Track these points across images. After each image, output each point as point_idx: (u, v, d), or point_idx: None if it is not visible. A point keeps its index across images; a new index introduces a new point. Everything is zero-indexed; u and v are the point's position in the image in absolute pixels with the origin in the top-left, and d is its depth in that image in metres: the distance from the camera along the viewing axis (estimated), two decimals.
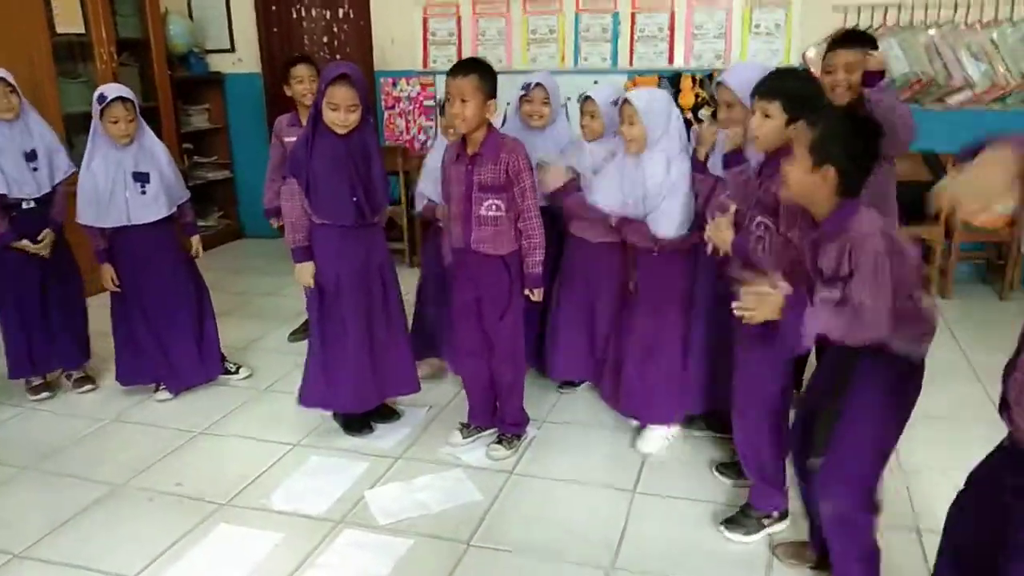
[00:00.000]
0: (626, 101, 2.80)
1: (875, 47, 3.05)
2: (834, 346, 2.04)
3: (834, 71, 2.96)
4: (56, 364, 3.75)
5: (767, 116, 2.30)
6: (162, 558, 2.53)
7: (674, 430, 3.17)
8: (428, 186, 3.44)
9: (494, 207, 2.84)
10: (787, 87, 2.30)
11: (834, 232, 1.93)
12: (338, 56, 6.21)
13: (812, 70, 4.19)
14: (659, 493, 2.85)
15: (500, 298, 2.94)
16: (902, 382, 2.00)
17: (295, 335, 4.34)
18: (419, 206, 3.51)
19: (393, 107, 6.15)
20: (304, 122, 3.75)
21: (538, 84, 3.31)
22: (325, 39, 6.32)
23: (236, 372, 3.86)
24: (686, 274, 2.95)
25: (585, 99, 3.17)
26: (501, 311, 2.95)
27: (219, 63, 6.51)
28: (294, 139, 3.54)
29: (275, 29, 6.38)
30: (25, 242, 3.45)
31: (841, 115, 2.07)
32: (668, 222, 2.81)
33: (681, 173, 2.80)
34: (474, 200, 2.85)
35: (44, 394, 3.70)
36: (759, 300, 2.01)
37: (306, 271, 3.04)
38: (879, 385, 1.99)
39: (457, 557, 2.52)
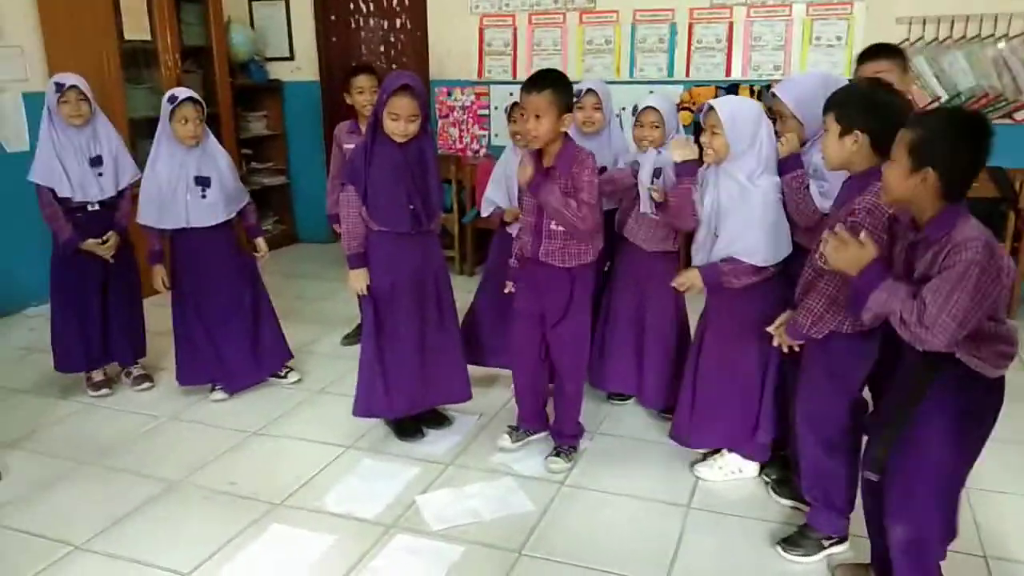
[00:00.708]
0: (711, 108, 2.63)
1: (904, 62, 2.97)
2: (909, 358, 1.98)
3: None
4: (110, 360, 3.83)
5: (826, 130, 2.24)
6: (216, 556, 2.56)
7: (747, 468, 2.97)
8: (497, 192, 3.45)
9: None
10: (840, 98, 2.23)
11: (936, 237, 1.84)
12: (394, 65, 6.29)
13: None
14: (714, 509, 2.79)
15: (562, 309, 2.92)
16: (978, 404, 1.93)
17: (348, 339, 4.37)
18: (486, 212, 3.51)
19: (447, 116, 6.19)
20: (363, 130, 3.80)
21: (589, 90, 3.28)
22: (382, 48, 6.41)
23: (285, 376, 3.90)
24: (774, 296, 2.65)
25: (645, 109, 3.09)
26: (560, 321, 2.94)
27: (278, 71, 6.63)
28: (353, 146, 3.59)
29: (334, 38, 6.49)
30: (91, 241, 3.54)
31: (945, 115, 1.94)
32: (766, 249, 2.60)
33: (767, 194, 2.58)
34: (545, 213, 2.83)
35: (104, 391, 3.79)
36: (844, 247, 1.92)
37: (360, 277, 3.06)
38: (953, 405, 1.92)
39: (509, 566, 2.50)
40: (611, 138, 3.39)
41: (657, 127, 3.09)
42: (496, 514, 2.77)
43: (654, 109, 3.08)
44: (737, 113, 2.59)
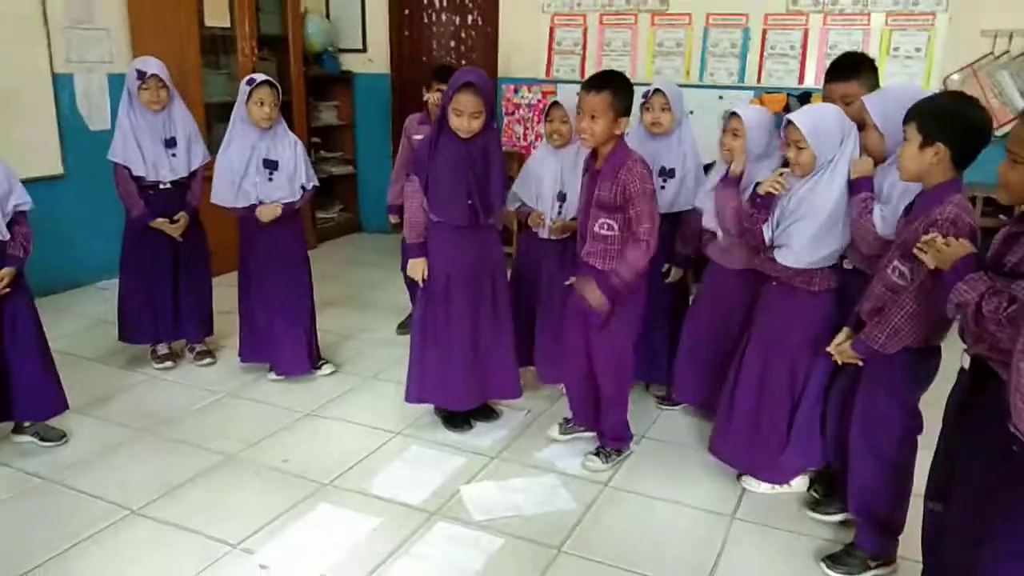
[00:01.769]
0: (789, 123, 2.53)
1: (875, 73, 2.84)
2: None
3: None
4: (178, 336, 3.95)
5: (907, 140, 2.17)
6: (264, 530, 2.63)
7: (795, 482, 2.90)
8: (523, 189, 3.45)
9: (606, 226, 2.80)
10: (924, 108, 2.14)
11: None
12: (463, 61, 6.34)
13: None
14: (758, 521, 2.75)
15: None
16: None
17: (403, 327, 4.43)
18: (511, 205, 3.50)
19: (513, 113, 6.22)
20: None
21: (657, 90, 3.25)
22: (453, 44, 6.46)
23: (320, 368, 3.90)
24: (810, 316, 2.64)
25: (731, 115, 2.96)
26: (602, 323, 2.91)
27: (351, 62, 6.74)
28: (421, 137, 3.64)
29: (406, 32, 6.57)
30: (161, 220, 3.67)
31: None
32: (788, 251, 2.59)
33: (826, 196, 2.53)
34: (591, 215, 2.83)
35: (167, 364, 3.92)
36: (947, 246, 1.87)
37: (419, 266, 3.11)
38: (1003, 428, 1.85)
39: (548, 562, 2.51)
40: (680, 139, 3.35)
41: (736, 136, 2.92)
42: (538, 510, 2.79)
43: (736, 116, 2.93)
44: (820, 123, 2.51)
